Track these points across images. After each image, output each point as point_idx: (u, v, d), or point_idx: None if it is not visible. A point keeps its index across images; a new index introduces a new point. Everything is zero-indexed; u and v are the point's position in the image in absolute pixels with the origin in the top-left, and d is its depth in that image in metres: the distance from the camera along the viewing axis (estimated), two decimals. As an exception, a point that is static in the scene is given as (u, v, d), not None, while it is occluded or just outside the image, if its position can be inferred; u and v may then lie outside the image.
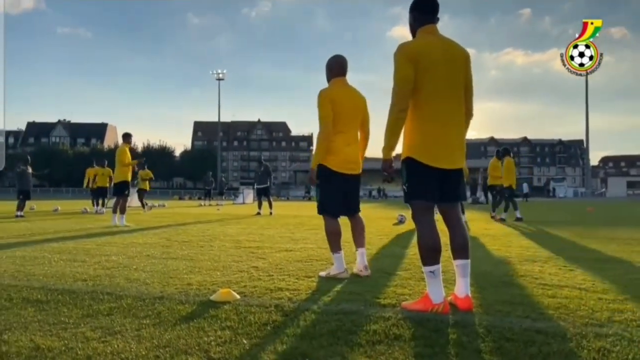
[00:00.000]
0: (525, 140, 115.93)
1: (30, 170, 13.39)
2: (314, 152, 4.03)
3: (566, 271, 4.20)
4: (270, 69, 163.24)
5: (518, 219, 11.26)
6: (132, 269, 4.20)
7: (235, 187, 58.72)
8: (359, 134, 4.03)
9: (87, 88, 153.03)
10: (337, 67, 3.99)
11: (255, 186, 15.32)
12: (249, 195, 30.84)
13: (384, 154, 2.93)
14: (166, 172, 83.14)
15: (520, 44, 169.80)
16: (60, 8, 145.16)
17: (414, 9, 2.99)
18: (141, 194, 16.70)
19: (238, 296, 3.09)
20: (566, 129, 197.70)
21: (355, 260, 4.01)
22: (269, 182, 14.48)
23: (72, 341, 2.24)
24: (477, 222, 10.88)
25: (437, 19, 2.98)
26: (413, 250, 5.45)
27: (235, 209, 18.55)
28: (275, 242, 6.37)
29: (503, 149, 12.60)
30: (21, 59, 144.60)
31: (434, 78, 2.83)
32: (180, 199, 41.06)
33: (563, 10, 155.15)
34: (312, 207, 16.74)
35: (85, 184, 16.49)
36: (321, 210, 3.94)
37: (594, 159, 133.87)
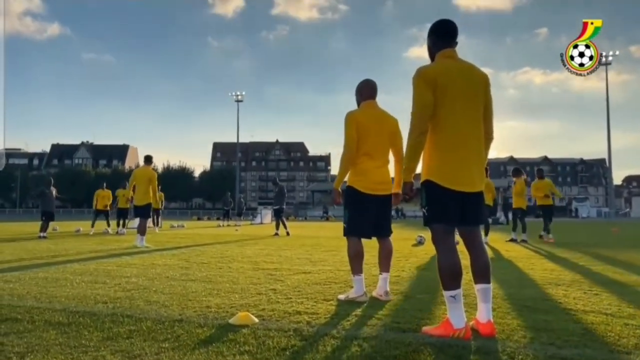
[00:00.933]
0: (545, 160, 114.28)
1: (54, 191, 13.65)
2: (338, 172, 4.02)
3: (591, 295, 4.10)
4: (288, 90, 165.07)
5: (512, 240, 11.26)
6: (151, 291, 4.22)
7: (253, 208, 58.99)
8: (390, 156, 4.01)
9: (110, 110, 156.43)
10: (366, 90, 4.02)
11: (272, 207, 15.48)
12: (267, 215, 30.93)
13: (404, 176, 2.92)
14: (185, 192, 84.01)
15: (537, 63, 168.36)
16: (86, 35, 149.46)
17: (432, 33, 3.03)
18: (154, 213, 16.75)
19: (256, 320, 3.08)
20: (587, 148, 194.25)
21: (377, 284, 3.98)
22: (282, 203, 14.59)
23: (93, 365, 2.25)
24: (498, 243, 10.70)
25: (456, 43, 3.00)
26: (433, 273, 5.38)
27: (253, 230, 18.59)
28: (293, 264, 6.36)
29: (514, 169, 12.39)
30: (47, 84, 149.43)
31: (452, 101, 2.83)
32: (198, 219, 41.36)
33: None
34: (330, 227, 16.70)
35: (94, 205, 16.37)
36: (347, 232, 3.91)
37: (617, 178, 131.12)
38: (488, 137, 3.03)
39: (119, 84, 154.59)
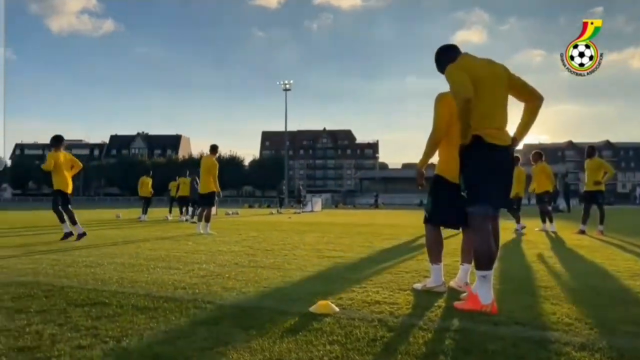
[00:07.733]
0: (607, 144, 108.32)
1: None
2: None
3: (689, 289, 3.80)
4: (334, 77, 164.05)
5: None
6: (225, 277, 4.28)
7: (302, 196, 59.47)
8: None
9: (163, 102, 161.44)
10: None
11: None
12: (317, 203, 31.09)
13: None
14: (236, 180, 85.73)
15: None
16: (138, 30, 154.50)
17: (440, 59, 3.48)
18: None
19: (337, 309, 3.04)
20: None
21: (457, 275, 3.85)
22: None
23: (188, 350, 2.28)
24: (564, 231, 10.20)
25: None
26: (507, 264, 5.18)
27: (305, 217, 18.70)
28: (356, 252, 6.30)
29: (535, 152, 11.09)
30: (104, 78, 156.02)
31: (485, 88, 3.15)
32: (250, 207, 42.14)
33: (638, 7, 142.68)
34: (381, 215, 16.52)
35: (140, 193, 16.59)
36: (429, 219, 3.76)
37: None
38: (537, 98, 3.33)
39: (170, 75, 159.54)
